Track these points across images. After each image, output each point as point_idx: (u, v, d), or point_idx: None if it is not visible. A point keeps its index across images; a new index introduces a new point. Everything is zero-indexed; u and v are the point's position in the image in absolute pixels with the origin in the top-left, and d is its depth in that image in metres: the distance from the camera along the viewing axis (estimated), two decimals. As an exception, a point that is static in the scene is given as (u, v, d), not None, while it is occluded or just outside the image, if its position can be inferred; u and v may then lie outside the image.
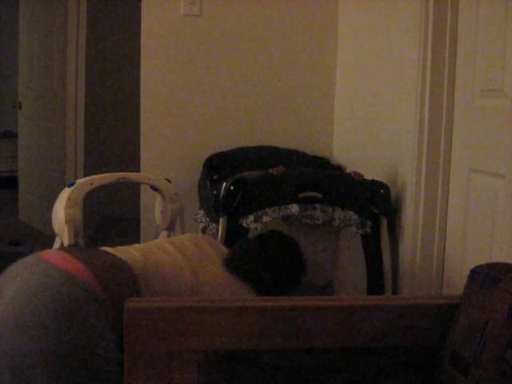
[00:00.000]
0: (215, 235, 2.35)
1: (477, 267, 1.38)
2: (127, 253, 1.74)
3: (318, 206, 2.35)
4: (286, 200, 2.33)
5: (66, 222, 2.29)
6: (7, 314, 1.45)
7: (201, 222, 2.74)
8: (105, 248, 1.77)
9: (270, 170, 2.34)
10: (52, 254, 1.61)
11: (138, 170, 3.21)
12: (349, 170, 2.86)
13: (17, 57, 5.36)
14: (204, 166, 3.04)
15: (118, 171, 2.57)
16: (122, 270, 1.63)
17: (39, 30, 4.93)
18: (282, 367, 1.39)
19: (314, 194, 2.36)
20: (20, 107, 5.28)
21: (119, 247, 1.82)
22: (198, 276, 1.75)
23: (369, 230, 2.41)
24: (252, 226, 2.28)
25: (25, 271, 1.55)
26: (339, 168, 3.07)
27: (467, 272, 1.40)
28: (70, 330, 1.43)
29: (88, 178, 2.45)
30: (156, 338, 1.34)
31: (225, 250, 1.98)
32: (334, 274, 3.08)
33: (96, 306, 1.49)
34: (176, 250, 1.83)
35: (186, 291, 1.70)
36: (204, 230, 2.74)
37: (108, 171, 2.59)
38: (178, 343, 1.35)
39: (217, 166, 3.05)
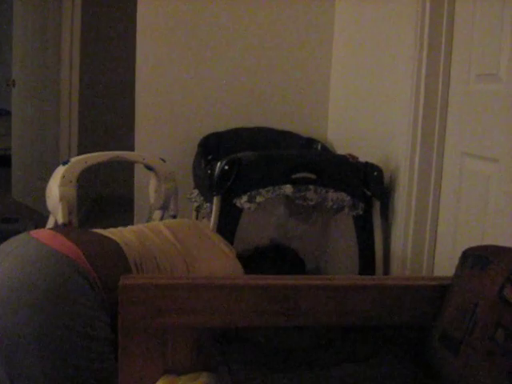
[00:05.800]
0: (209, 214, 2.37)
1: (468, 249, 1.40)
2: (121, 234, 1.71)
3: (311, 187, 2.37)
4: (279, 180, 2.35)
5: (60, 200, 2.28)
6: None
7: (195, 201, 2.75)
8: (97, 230, 1.74)
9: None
10: (43, 233, 1.59)
11: (132, 149, 3.20)
12: (343, 152, 2.86)
13: (11, 34, 5.31)
14: (199, 146, 3.04)
15: (112, 150, 2.57)
16: (112, 251, 1.60)
17: (34, 8, 4.88)
18: (275, 345, 1.41)
19: (307, 174, 2.38)
20: (14, 85, 5.24)
21: (112, 229, 1.79)
22: (191, 266, 1.71)
23: (361, 212, 2.43)
24: (245, 205, 2.30)
25: (16, 250, 1.53)
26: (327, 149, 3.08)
27: (459, 255, 1.41)
28: (60, 310, 1.42)
29: (82, 157, 2.44)
30: (150, 315, 1.35)
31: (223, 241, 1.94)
32: (325, 256, 3.09)
33: (87, 287, 1.47)
34: (173, 237, 1.78)
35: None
36: (198, 210, 2.75)
37: (102, 150, 2.58)
38: (173, 320, 1.36)
39: (212, 146, 3.06)
